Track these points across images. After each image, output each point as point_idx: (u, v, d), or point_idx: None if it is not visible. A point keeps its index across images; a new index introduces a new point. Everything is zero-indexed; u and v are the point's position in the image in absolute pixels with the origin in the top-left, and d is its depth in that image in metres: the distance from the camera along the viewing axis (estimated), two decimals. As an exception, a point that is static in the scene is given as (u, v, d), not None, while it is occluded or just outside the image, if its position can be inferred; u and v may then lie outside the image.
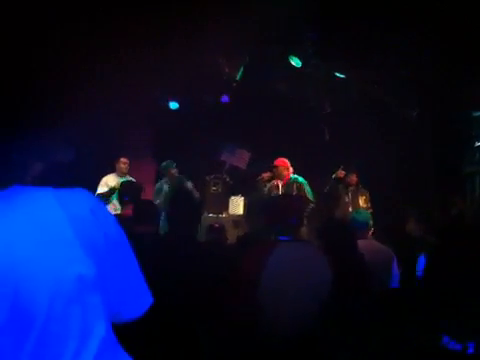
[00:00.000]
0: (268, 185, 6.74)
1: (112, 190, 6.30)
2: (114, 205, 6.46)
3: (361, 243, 3.74)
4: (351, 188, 7.11)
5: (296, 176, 6.67)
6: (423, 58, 6.44)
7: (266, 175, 6.80)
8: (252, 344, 2.54)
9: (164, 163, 7.01)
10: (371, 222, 4.16)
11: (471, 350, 2.05)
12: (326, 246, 3.30)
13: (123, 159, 6.73)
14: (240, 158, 8.08)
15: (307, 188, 6.51)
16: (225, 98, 8.01)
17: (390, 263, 3.98)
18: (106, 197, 6.27)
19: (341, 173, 7.00)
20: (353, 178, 7.07)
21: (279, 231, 2.82)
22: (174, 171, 6.86)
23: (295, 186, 6.48)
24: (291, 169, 6.72)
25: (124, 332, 1.15)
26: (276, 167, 6.69)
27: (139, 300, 1.16)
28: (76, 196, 1.10)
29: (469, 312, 2.16)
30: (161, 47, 6.06)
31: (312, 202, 6.26)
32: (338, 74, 7.18)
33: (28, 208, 1.04)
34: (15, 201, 1.05)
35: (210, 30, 5.73)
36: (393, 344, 2.52)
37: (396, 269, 3.99)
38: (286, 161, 6.72)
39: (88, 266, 1.01)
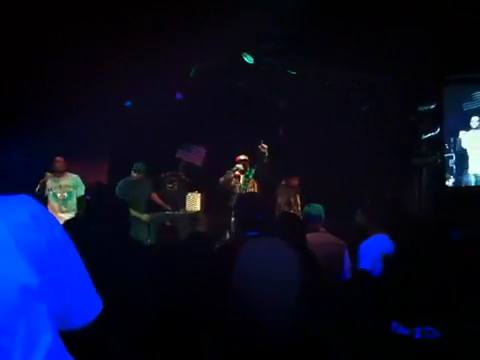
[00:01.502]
0: (231, 175, 6.99)
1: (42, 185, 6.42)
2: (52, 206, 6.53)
3: (314, 236, 3.87)
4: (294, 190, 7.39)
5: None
6: (374, 55, 6.65)
7: (238, 172, 7.01)
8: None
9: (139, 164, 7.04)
10: (323, 215, 4.30)
11: (418, 335, 2.18)
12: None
13: (58, 158, 6.77)
14: (196, 155, 8.11)
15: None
16: (179, 96, 8.01)
17: (342, 254, 4.13)
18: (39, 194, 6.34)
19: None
20: (295, 181, 7.31)
21: (248, 227, 2.87)
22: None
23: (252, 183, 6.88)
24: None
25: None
26: (243, 161, 7.03)
27: (88, 306, 1.14)
28: (16, 203, 1.08)
29: (416, 299, 2.28)
30: (118, 46, 6.01)
31: None
32: (291, 71, 7.30)
33: None
34: None
35: (166, 28, 5.74)
36: (345, 329, 2.64)
37: (348, 260, 4.15)
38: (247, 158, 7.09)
39: (31, 275, 0.99)
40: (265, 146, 6.92)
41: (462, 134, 6.98)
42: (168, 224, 4.94)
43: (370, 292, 2.88)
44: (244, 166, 7.01)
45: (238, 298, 2.60)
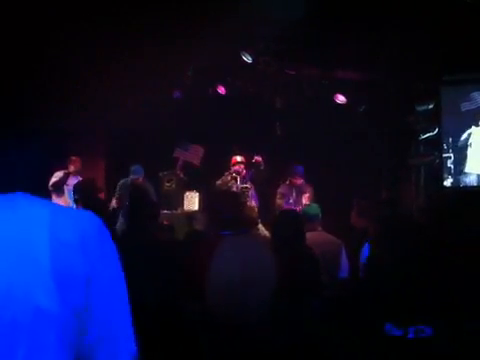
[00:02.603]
0: (229, 177, 7.05)
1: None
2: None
3: (312, 235, 3.88)
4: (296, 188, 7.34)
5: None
6: (372, 56, 6.67)
7: (235, 174, 7.06)
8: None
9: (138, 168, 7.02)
10: (321, 215, 4.31)
11: (411, 335, 2.19)
12: (278, 239, 3.41)
13: (74, 158, 6.75)
14: (194, 154, 8.10)
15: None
16: (177, 94, 8.01)
17: (339, 253, 4.14)
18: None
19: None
20: (297, 180, 7.24)
21: (218, 226, 2.87)
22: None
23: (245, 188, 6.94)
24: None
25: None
26: (239, 163, 7.09)
27: (118, 349, 1.01)
28: (73, 219, 1.01)
29: (408, 300, 2.29)
30: (115, 45, 6.01)
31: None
32: (289, 71, 7.31)
33: (15, 222, 0.96)
34: (6, 211, 0.98)
35: (164, 27, 5.75)
36: (341, 331, 2.65)
37: (345, 259, 4.16)
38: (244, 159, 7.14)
39: (51, 299, 0.92)
40: (259, 159, 6.95)
41: (464, 134, 6.97)
42: (165, 222, 4.93)
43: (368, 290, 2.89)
44: (240, 168, 7.03)
45: (213, 297, 2.60)
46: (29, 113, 1.21)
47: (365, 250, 3.81)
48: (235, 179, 6.98)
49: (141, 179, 7.00)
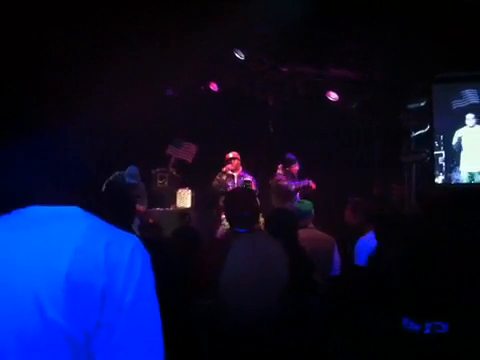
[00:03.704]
0: (224, 176, 6.99)
1: None
2: None
3: (304, 232, 3.89)
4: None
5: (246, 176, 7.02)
6: (364, 53, 6.68)
7: (228, 168, 7.02)
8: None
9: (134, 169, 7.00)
10: (313, 212, 4.32)
11: (428, 330, 2.19)
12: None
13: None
14: (186, 151, 8.09)
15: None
16: (170, 92, 7.99)
17: (332, 250, 4.15)
18: None
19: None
20: (295, 167, 7.22)
21: (236, 224, 2.89)
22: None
23: (246, 182, 6.85)
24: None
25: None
26: (234, 159, 7.00)
27: None
28: (106, 237, 1.01)
29: (425, 294, 2.29)
30: (111, 44, 5.99)
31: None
32: (282, 68, 7.31)
33: (45, 236, 0.99)
34: (48, 225, 1.00)
35: (157, 25, 5.74)
36: (356, 328, 2.65)
37: (337, 256, 4.17)
38: (237, 154, 7.08)
39: (59, 311, 0.93)
40: (249, 180, 6.93)
41: (456, 132, 7.01)
42: (150, 221, 4.90)
43: (365, 288, 2.90)
44: (234, 165, 7.01)
45: (226, 294, 2.61)
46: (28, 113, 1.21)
47: (361, 246, 3.80)
48: (231, 177, 6.96)
49: (138, 183, 6.91)
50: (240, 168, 7.09)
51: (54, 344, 0.93)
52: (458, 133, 7.00)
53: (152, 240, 3.91)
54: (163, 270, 2.94)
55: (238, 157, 7.09)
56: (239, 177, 6.98)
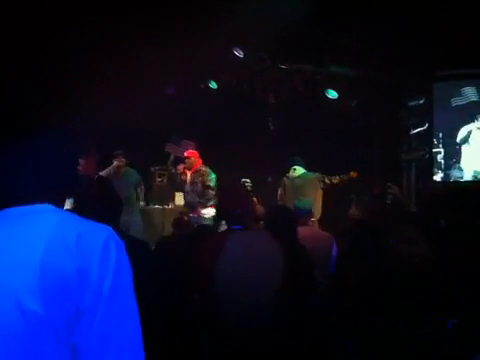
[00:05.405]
0: (179, 174, 7.16)
1: None
2: None
3: (303, 230, 3.89)
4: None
5: (202, 166, 7.07)
6: (364, 51, 6.68)
7: (182, 167, 7.14)
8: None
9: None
10: (312, 210, 4.33)
11: (428, 330, 2.20)
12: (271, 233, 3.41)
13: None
14: (186, 149, 8.08)
15: (211, 176, 6.92)
16: (170, 90, 7.99)
17: (330, 248, 4.16)
18: None
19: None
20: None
21: (229, 220, 2.92)
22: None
23: (200, 173, 6.94)
24: (200, 160, 7.12)
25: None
26: (188, 158, 7.06)
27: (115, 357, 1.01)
28: (77, 228, 1.03)
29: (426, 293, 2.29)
30: (111, 43, 6.00)
31: (212, 189, 6.77)
32: (282, 66, 7.31)
33: (20, 231, 1.01)
34: (18, 221, 1.03)
35: (157, 23, 5.74)
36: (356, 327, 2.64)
37: (336, 254, 4.18)
38: (196, 152, 7.14)
39: (37, 301, 0.95)
40: (248, 181, 6.90)
41: (464, 127, 6.98)
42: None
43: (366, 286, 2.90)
44: (190, 162, 7.02)
45: (220, 289, 2.62)
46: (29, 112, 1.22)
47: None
48: (185, 173, 7.04)
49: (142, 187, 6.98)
50: (192, 165, 7.08)
51: (36, 335, 0.95)
52: (466, 128, 6.94)
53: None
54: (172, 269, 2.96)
55: (195, 156, 7.08)
56: (191, 174, 7.01)
